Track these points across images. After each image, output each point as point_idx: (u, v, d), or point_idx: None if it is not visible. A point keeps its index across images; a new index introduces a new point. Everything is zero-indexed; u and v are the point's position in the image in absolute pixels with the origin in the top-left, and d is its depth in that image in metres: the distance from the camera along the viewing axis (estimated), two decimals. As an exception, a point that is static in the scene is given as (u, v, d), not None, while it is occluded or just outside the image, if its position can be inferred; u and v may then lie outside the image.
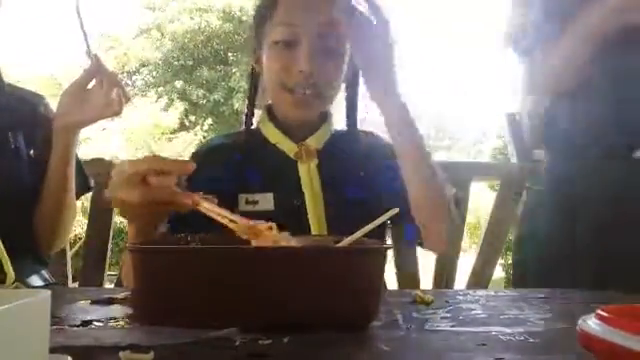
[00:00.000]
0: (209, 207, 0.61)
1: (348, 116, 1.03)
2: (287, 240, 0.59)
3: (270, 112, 1.00)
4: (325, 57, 0.93)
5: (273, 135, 0.98)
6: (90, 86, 0.96)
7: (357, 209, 0.89)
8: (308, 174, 0.94)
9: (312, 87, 0.91)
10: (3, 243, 0.85)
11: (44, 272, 1.10)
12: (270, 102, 1.02)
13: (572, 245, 1.04)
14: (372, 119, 1.04)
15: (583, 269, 1.01)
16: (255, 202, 0.92)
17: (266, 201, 0.93)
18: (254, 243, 0.59)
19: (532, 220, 1.19)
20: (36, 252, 1.07)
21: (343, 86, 1.02)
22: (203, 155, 1.01)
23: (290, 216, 0.89)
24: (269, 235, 0.59)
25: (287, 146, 0.96)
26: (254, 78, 1.02)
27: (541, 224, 1.12)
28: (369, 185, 0.96)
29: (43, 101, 1.13)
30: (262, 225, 0.59)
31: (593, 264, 1.01)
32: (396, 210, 0.62)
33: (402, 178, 1.00)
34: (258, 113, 1.04)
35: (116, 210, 0.65)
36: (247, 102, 1.02)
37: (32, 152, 1.07)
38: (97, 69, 0.94)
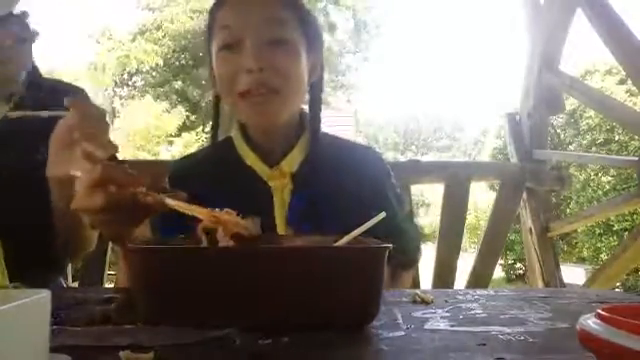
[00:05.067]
0: (173, 203, 0.62)
1: (311, 121, 0.96)
2: (250, 225, 0.60)
3: (243, 129, 0.95)
4: (274, 49, 0.86)
5: (247, 156, 0.93)
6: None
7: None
8: (281, 200, 0.90)
9: (265, 85, 0.85)
10: (17, 250, 0.83)
11: (61, 280, 1.09)
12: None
13: None
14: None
15: None
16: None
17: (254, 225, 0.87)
18: (220, 231, 0.59)
19: None
20: (54, 261, 1.03)
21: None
22: (180, 177, 0.95)
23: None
24: (230, 220, 0.59)
25: (261, 169, 0.91)
26: (217, 98, 0.96)
27: None
28: (345, 213, 0.82)
29: (81, 95, 1.04)
30: (222, 213, 0.60)
31: None
32: (383, 214, 0.61)
33: (382, 198, 0.96)
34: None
35: (87, 222, 0.65)
36: (212, 123, 0.98)
37: None
38: (76, 120, 0.73)
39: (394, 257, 0.88)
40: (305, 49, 0.91)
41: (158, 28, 11.81)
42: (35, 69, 1.03)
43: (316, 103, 0.98)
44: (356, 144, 1.08)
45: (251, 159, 0.92)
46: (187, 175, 0.95)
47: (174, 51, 11.81)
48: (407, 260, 0.98)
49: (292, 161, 0.93)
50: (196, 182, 0.87)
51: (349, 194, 0.90)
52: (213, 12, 0.92)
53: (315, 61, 0.95)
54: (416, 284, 1.80)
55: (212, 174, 0.92)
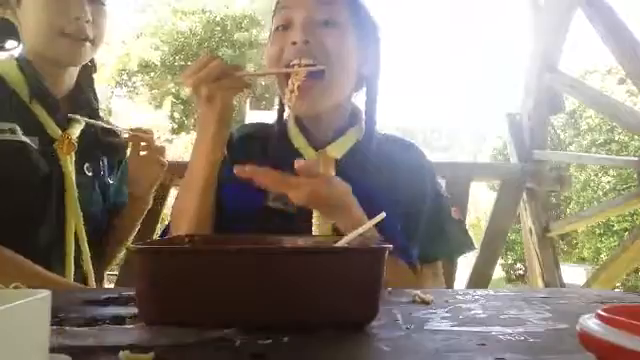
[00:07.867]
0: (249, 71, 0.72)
1: (367, 115, 0.99)
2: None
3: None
4: (322, 28, 0.90)
5: (296, 139, 0.96)
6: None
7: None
8: None
9: (307, 57, 0.88)
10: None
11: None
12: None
13: None
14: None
15: None
16: (283, 201, 0.86)
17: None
18: None
19: None
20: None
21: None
22: (239, 139, 1.00)
23: (309, 220, 0.86)
24: None
25: (307, 153, 0.94)
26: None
27: None
28: (385, 204, 0.79)
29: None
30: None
31: None
32: (383, 215, 0.61)
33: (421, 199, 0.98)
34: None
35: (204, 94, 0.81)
36: (278, 107, 1.02)
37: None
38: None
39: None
40: (355, 35, 0.93)
41: (154, 31, 11.86)
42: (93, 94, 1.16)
43: (371, 102, 0.99)
44: (403, 140, 1.09)
45: (300, 142, 0.95)
46: (249, 139, 1.00)
47: (170, 53, 11.85)
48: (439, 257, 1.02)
49: (339, 147, 0.94)
50: (255, 147, 0.96)
51: (395, 190, 0.91)
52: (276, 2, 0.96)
53: (367, 52, 0.96)
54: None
55: (267, 145, 0.97)
